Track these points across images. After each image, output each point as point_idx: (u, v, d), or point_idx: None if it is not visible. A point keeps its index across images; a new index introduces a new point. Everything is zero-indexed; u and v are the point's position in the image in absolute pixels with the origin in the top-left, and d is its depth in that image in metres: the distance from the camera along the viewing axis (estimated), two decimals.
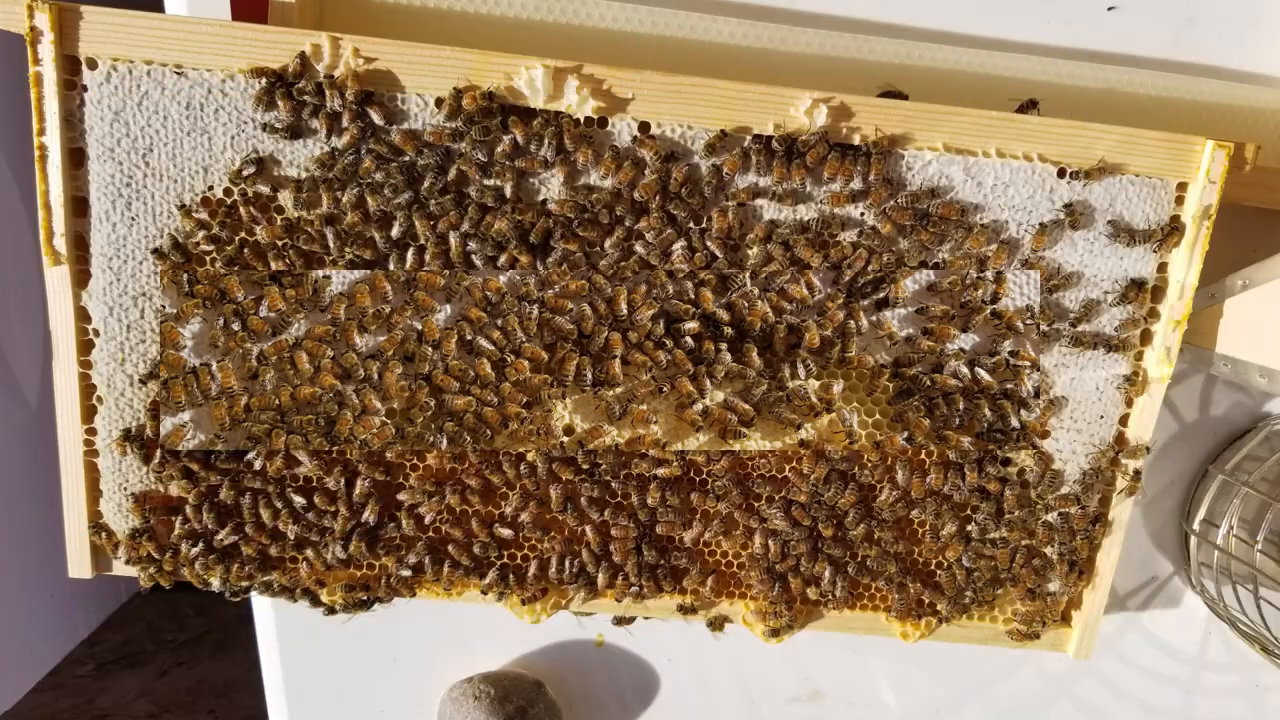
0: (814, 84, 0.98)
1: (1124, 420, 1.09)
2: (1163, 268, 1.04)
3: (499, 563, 1.11)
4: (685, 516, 1.09)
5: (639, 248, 0.99)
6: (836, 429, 1.05)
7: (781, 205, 1.00)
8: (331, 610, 1.11)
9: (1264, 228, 1.16)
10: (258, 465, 1.05)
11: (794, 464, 1.08)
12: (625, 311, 1.00)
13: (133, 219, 0.98)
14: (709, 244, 0.99)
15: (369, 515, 1.06)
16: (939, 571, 1.13)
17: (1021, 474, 1.09)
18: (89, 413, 1.04)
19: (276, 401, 1.02)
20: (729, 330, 1.01)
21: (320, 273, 0.99)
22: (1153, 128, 0.99)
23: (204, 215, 0.99)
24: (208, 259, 1.00)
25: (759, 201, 1.00)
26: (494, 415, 1.03)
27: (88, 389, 1.03)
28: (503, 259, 0.98)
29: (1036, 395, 1.05)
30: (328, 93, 0.94)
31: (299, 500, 1.06)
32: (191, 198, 0.98)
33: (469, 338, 1.01)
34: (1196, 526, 1.27)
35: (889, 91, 1.03)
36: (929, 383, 1.04)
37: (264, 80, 0.94)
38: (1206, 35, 1.15)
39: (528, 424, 1.04)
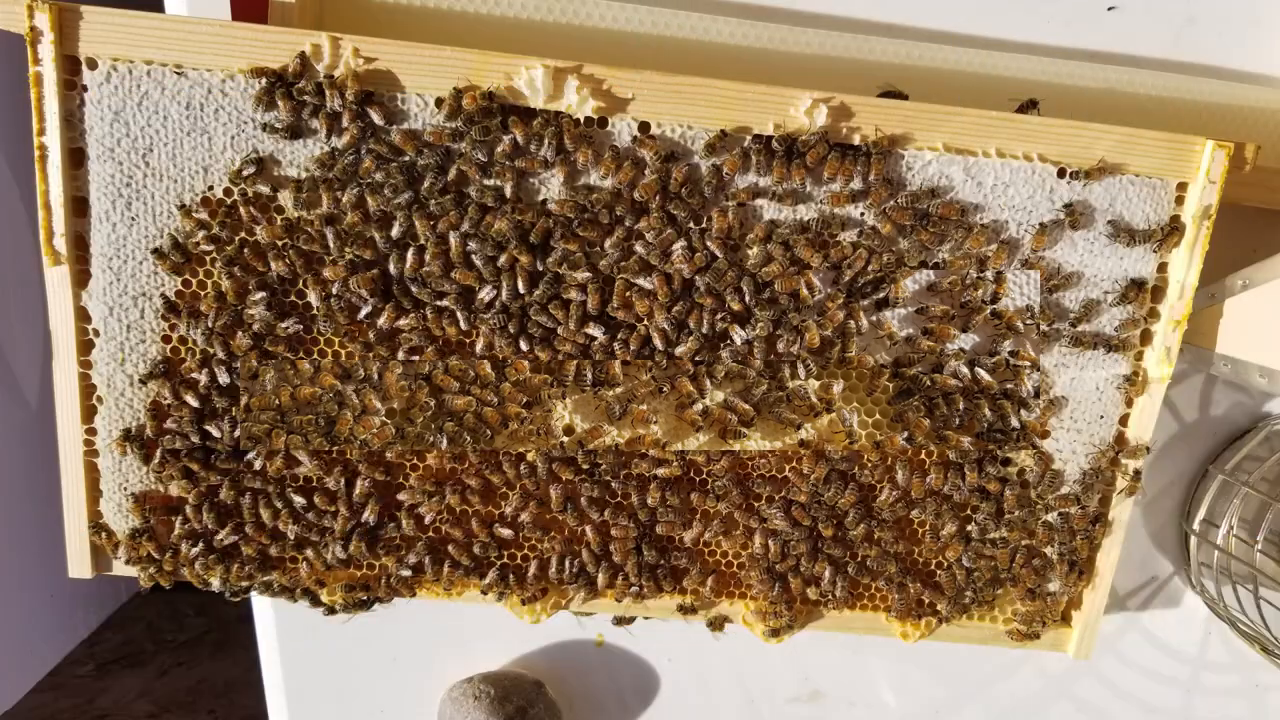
0: (814, 84, 0.98)
1: (1124, 420, 1.09)
2: (1163, 268, 1.04)
3: (499, 563, 1.11)
4: (685, 516, 1.09)
5: (639, 248, 0.99)
6: (836, 429, 1.05)
7: (781, 205, 1.00)
8: (331, 610, 1.11)
9: (1264, 228, 1.16)
10: (258, 465, 1.05)
11: (794, 464, 1.08)
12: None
13: (133, 219, 0.98)
14: (709, 244, 0.99)
15: (369, 515, 1.06)
16: (939, 571, 1.13)
17: (1021, 474, 1.09)
18: (89, 413, 1.04)
19: (276, 401, 1.02)
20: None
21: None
22: (1153, 128, 0.99)
23: (204, 215, 0.99)
24: (208, 259, 1.00)
25: (759, 201, 1.00)
26: (494, 415, 1.03)
27: (88, 389, 1.03)
28: (503, 259, 0.98)
29: (1036, 395, 1.05)
30: (328, 93, 0.94)
31: (299, 500, 1.06)
32: (191, 198, 0.98)
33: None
34: (1196, 526, 1.27)
35: (889, 91, 1.03)
36: (929, 383, 1.04)
37: (264, 80, 0.94)
38: (1206, 35, 1.15)
39: (528, 424, 1.04)
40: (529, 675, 1.31)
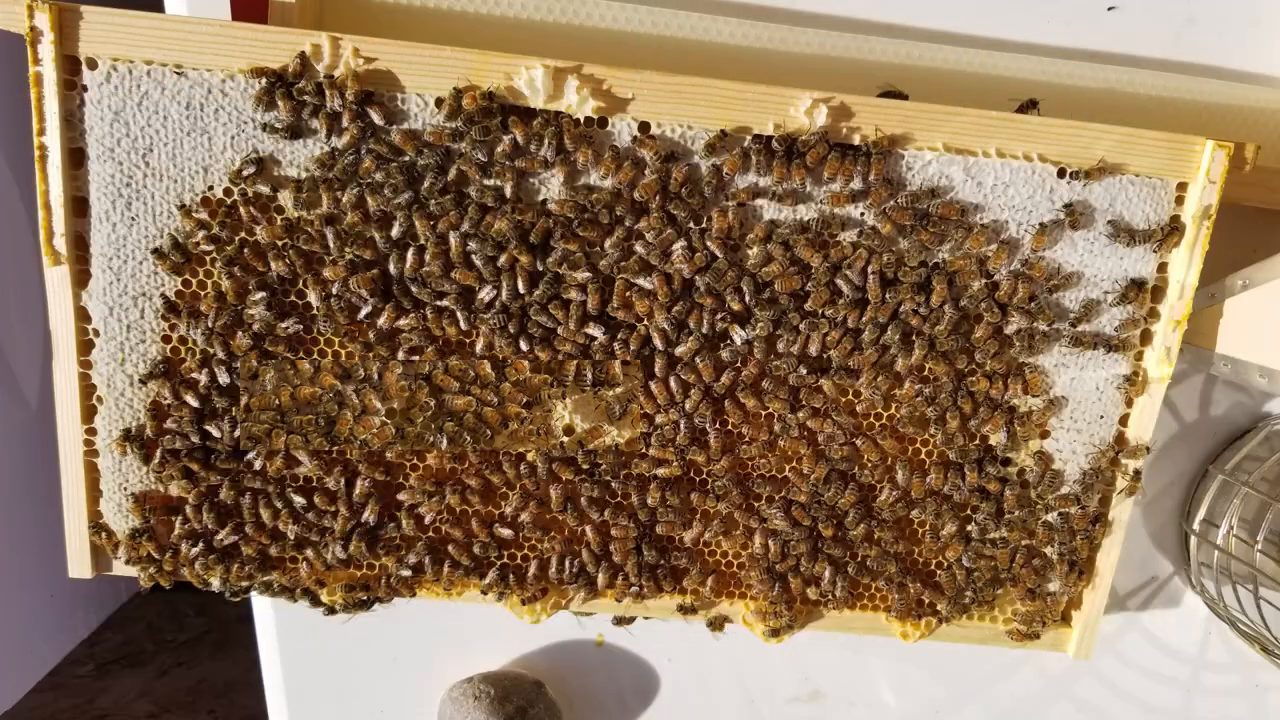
0: (814, 84, 0.98)
1: (1124, 420, 1.09)
2: (1163, 268, 1.04)
3: (499, 563, 1.11)
4: (685, 516, 1.09)
5: (639, 248, 0.99)
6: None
7: (781, 205, 1.00)
8: (331, 610, 1.11)
9: (1264, 228, 1.16)
10: (258, 465, 1.05)
11: (794, 464, 1.08)
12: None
13: (133, 219, 0.98)
14: (709, 244, 0.99)
15: (369, 515, 1.06)
16: (939, 571, 1.13)
17: (1021, 474, 1.09)
18: (89, 413, 1.04)
19: (276, 401, 1.02)
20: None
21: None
22: (1153, 128, 0.99)
23: (204, 215, 0.99)
24: (208, 259, 1.00)
25: (759, 201, 1.00)
26: (494, 415, 1.03)
27: (88, 389, 1.03)
28: (503, 259, 0.98)
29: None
30: (328, 93, 0.94)
31: (299, 500, 1.06)
32: (191, 198, 0.98)
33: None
34: (1196, 526, 1.27)
35: (889, 91, 1.03)
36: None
37: (264, 80, 0.94)
38: (1206, 35, 1.15)
39: (528, 424, 1.04)
40: (529, 675, 1.31)
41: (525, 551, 1.11)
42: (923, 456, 1.09)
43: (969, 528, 1.11)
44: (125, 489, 1.06)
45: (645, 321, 1.01)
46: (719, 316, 1.01)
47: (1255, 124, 1.13)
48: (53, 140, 0.95)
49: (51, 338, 1.01)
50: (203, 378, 1.02)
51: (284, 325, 1.00)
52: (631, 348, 1.01)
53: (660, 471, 1.06)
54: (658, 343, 1.01)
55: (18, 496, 1.78)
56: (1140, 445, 1.08)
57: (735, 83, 0.95)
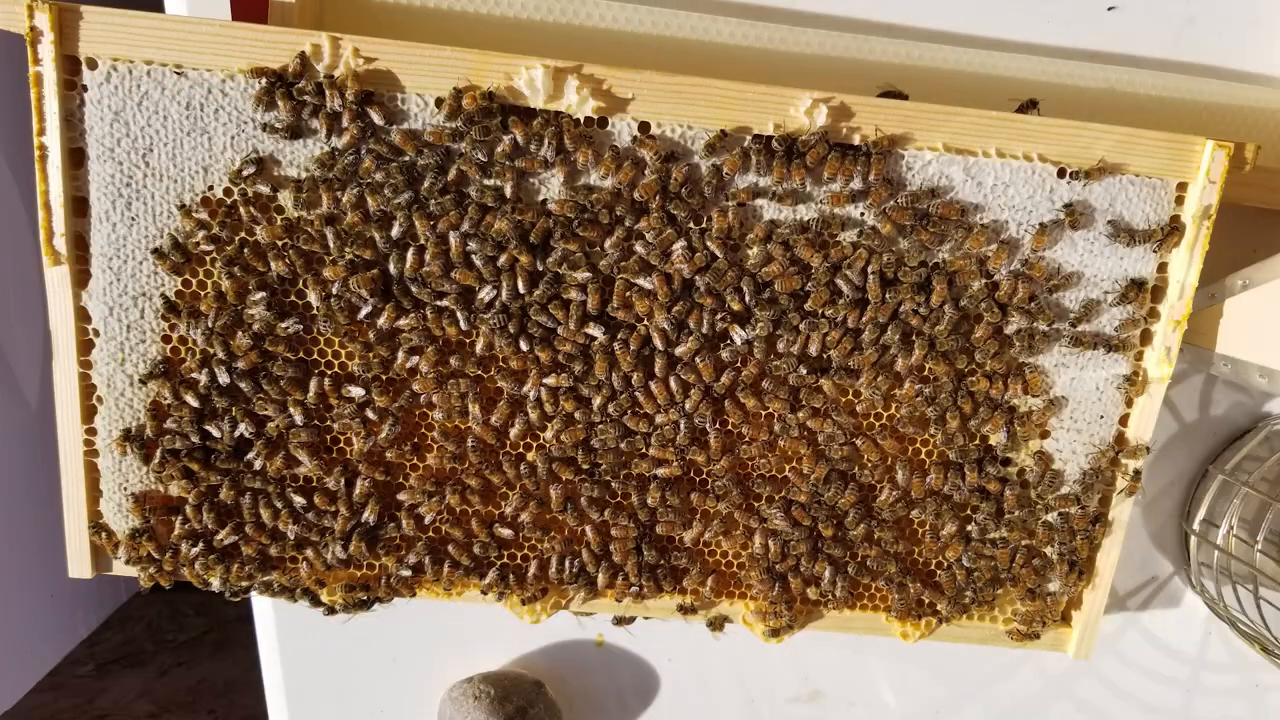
0: (814, 84, 0.98)
1: (1124, 420, 1.09)
2: (1163, 268, 1.04)
3: (499, 563, 1.11)
4: (685, 516, 1.09)
5: (639, 248, 0.99)
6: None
7: (781, 205, 1.00)
8: (331, 610, 1.11)
9: (1264, 228, 1.16)
10: (258, 465, 1.05)
11: (794, 464, 1.08)
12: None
13: (133, 219, 0.98)
14: (709, 244, 0.99)
15: (369, 515, 1.06)
16: (939, 571, 1.13)
17: (1021, 474, 1.09)
18: (89, 413, 1.04)
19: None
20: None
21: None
22: (1153, 128, 0.99)
23: (204, 215, 0.99)
24: (208, 259, 1.00)
25: (759, 201, 1.00)
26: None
27: (88, 389, 1.03)
28: (503, 259, 0.98)
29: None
30: (328, 93, 0.94)
31: (299, 500, 1.06)
32: (191, 198, 0.98)
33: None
34: (1196, 526, 1.27)
35: (889, 91, 1.03)
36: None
37: (264, 80, 0.94)
38: (1206, 35, 1.15)
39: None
40: (529, 675, 1.31)
41: (525, 551, 1.11)
42: (923, 456, 1.09)
43: (969, 528, 1.11)
44: (125, 489, 1.06)
45: (645, 321, 1.01)
46: (719, 316, 1.01)
47: (1255, 124, 1.13)
48: (53, 140, 0.95)
49: (51, 338, 1.01)
50: (203, 378, 1.02)
51: (284, 325, 1.00)
52: (631, 348, 1.01)
53: (660, 471, 1.06)
54: (658, 343, 1.01)
55: (18, 496, 1.78)
56: (1140, 445, 1.08)
57: (735, 83, 0.95)
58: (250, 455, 1.04)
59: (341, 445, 1.06)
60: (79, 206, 0.98)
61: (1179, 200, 1.02)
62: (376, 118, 0.95)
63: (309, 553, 1.08)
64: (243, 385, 1.02)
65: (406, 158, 0.97)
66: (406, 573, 1.09)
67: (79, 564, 1.09)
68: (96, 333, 1.01)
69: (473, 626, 1.31)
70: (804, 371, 1.03)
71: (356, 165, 0.96)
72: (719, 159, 0.98)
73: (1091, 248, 1.02)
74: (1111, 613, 1.34)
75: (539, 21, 1.06)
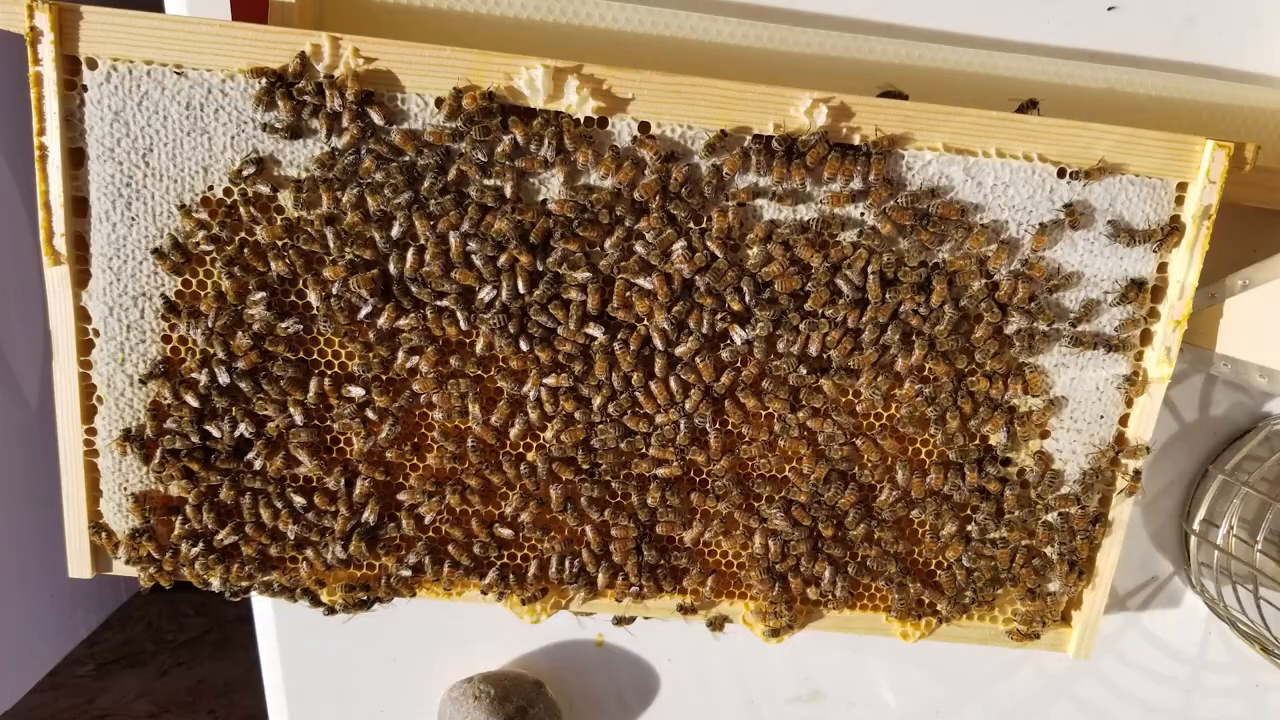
0: (814, 84, 0.98)
1: (1124, 420, 1.09)
2: (1163, 268, 1.04)
3: (499, 563, 1.11)
4: (685, 516, 1.09)
5: (639, 248, 0.99)
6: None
7: (781, 205, 1.00)
8: (331, 610, 1.11)
9: (1264, 228, 1.16)
10: (258, 465, 1.05)
11: (794, 464, 1.08)
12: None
13: (133, 219, 0.98)
14: (709, 244, 0.99)
15: (369, 515, 1.06)
16: (939, 571, 1.13)
17: (1021, 474, 1.09)
18: (89, 413, 1.04)
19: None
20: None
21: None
22: (1153, 128, 0.99)
23: (204, 215, 0.99)
24: (208, 259, 1.00)
25: (759, 201, 1.00)
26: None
27: (88, 389, 1.03)
28: (503, 259, 0.98)
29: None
30: (328, 93, 0.94)
31: (299, 500, 1.06)
32: (191, 198, 0.98)
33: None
34: (1196, 526, 1.27)
35: (889, 91, 1.03)
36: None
37: (264, 80, 0.94)
38: (1206, 35, 1.15)
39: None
40: (529, 675, 1.31)
41: (525, 551, 1.11)
42: (923, 456, 1.09)
43: (969, 528, 1.11)
44: (125, 489, 1.06)
45: (645, 321, 1.01)
46: (719, 316, 1.01)
47: (1255, 124, 1.13)
48: (53, 140, 0.95)
49: (51, 338, 1.01)
50: (203, 378, 1.02)
51: (284, 325, 1.00)
52: (631, 348, 1.01)
53: (660, 471, 1.06)
54: (658, 343, 1.01)
55: (18, 496, 1.78)
56: (1140, 445, 1.08)
57: (735, 83, 0.95)
58: (250, 455, 1.04)
59: (341, 445, 1.06)
60: (79, 206, 0.98)
61: (1179, 200, 1.02)
62: (376, 118, 0.95)
63: (309, 553, 1.08)
64: (243, 385, 1.02)
65: (406, 158, 0.97)
66: (406, 573, 1.09)
67: (79, 564, 1.09)
68: (96, 333, 1.01)
69: (473, 626, 1.31)
70: (804, 371, 1.03)
71: (356, 165, 0.96)
72: (719, 159, 0.98)
73: (1091, 248, 1.02)
74: (1111, 613, 1.34)
75: (539, 21, 1.06)
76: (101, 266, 0.99)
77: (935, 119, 0.98)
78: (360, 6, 1.05)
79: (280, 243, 0.99)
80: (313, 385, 1.03)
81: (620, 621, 1.17)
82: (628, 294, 1.00)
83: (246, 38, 0.93)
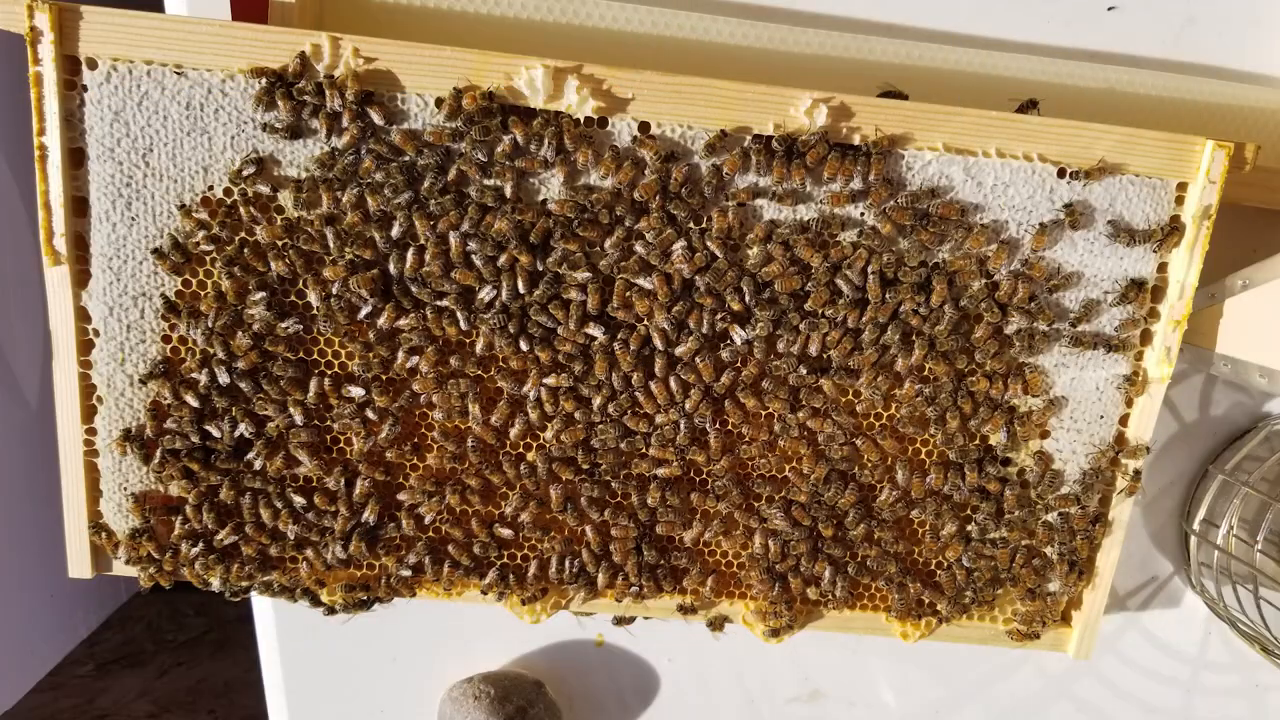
0: (814, 84, 0.98)
1: (1124, 420, 1.09)
2: (1163, 268, 1.04)
3: (499, 563, 1.11)
4: (685, 516, 1.09)
5: (639, 248, 0.99)
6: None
7: (781, 205, 1.00)
8: (331, 610, 1.11)
9: (1264, 228, 1.16)
10: (258, 465, 1.05)
11: (794, 464, 1.08)
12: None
13: (133, 219, 0.98)
14: (709, 244, 0.99)
15: (369, 515, 1.06)
16: (939, 571, 1.13)
17: (1021, 474, 1.09)
18: (89, 413, 1.04)
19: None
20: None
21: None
22: (1153, 128, 0.99)
23: (204, 215, 0.99)
24: (208, 259, 1.00)
25: (759, 201, 1.00)
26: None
27: (88, 389, 1.03)
28: (503, 259, 0.98)
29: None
30: (328, 93, 0.94)
31: (299, 500, 1.06)
32: (191, 198, 0.98)
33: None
34: (1196, 526, 1.27)
35: (889, 91, 1.03)
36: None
37: (264, 80, 0.94)
38: (1206, 35, 1.15)
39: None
40: (529, 675, 1.31)
41: (525, 551, 1.11)
42: (923, 456, 1.09)
43: (969, 528, 1.11)
44: (125, 489, 1.06)
45: (645, 321, 1.01)
46: (719, 316, 1.01)
47: (1255, 124, 1.13)
48: (53, 140, 0.95)
49: (51, 338, 1.01)
50: (203, 378, 1.02)
51: (284, 325, 1.00)
52: (631, 348, 1.01)
53: (660, 471, 1.06)
54: (658, 343, 1.01)
55: (18, 496, 1.78)
56: (1140, 445, 1.08)
57: (735, 83, 0.95)
58: (250, 455, 1.04)
59: (341, 445, 1.06)
60: (79, 206, 0.98)
61: (1179, 200, 1.02)
62: (376, 118, 0.95)
63: (309, 553, 1.08)
64: (243, 385, 1.02)
65: (406, 158, 0.97)
66: (406, 573, 1.09)
67: (79, 564, 1.09)
68: (96, 333, 1.01)
69: (473, 626, 1.31)
70: (804, 371, 1.03)
71: (356, 165, 0.96)
72: (719, 159, 0.98)
73: (1091, 248, 1.02)
74: (1111, 613, 1.34)
75: (539, 21, 1.06)
76: (101, 266, 0.99)
77: (935, 119, 0.98)
78: (360, 6, 1.05)
79: (280, 243, 0.99)
80: (313, 385, 1.03)
81: (620, 621, 1.17)
82: (628, 294, 1.00)
83: (246, 38, 0.93)
